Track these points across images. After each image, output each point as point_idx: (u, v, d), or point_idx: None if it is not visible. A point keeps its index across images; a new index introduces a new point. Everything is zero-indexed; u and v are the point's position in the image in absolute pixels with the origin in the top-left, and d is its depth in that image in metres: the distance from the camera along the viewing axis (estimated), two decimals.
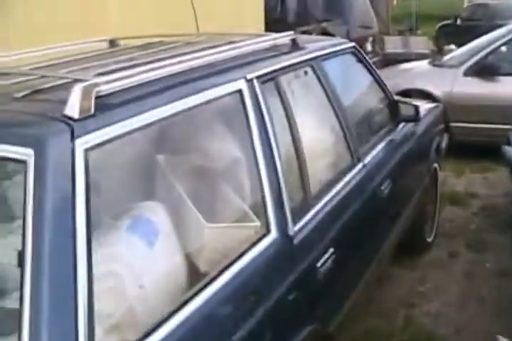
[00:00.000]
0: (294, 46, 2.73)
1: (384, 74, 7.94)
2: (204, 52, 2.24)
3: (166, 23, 5.75)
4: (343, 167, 2.73)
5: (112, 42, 2.93)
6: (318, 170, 2.52)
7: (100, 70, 1.99)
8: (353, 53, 3.29)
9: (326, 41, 3.16)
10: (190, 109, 1.94)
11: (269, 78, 2.36)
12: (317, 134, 2.62)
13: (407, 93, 5.98)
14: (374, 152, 3.05)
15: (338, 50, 3.08)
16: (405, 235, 3.67)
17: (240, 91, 2.17)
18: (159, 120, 1.82)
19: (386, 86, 3.52)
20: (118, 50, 2.75)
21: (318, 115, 2.70)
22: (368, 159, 2.94)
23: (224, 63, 2.23)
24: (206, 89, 2.02)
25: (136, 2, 5.76)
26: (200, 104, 1.97)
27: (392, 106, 3.51)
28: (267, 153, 2.14)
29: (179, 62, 2.07)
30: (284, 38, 2.70)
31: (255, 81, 2.24)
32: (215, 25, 6.77)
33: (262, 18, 8.03)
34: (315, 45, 2.92)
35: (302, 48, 2.74)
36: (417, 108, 3.43)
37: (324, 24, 8.50)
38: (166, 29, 5.56)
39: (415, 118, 3.46)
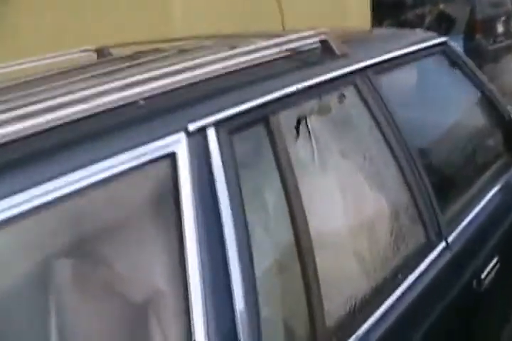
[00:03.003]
0: (325, 52, 1.66)
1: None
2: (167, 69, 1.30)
3: (244, 21, 4.80)
4: (405, 254, 1.62)
5: (100, 52, 2.07)
6: (347, 274, 1.44)
7: None
8: (443, 53, 2.13)
9: (397, 38, 2.03)
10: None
11: (253, 120, 1.33)
12: (353, 203, 1.53)
13: None
14: (470, 216, 1.90)
15: (415, 52, 1.94)
16: None
17: (171, 157, 1.17)
18: None
19: (498, 99, 2.31)
20: (88, 65, 1.84)
21: (362, 168, 1.61)
22: (456, 232, 1.80)
23: (164, 100, 1.23)
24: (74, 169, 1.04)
25: None
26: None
27: (509, 131, 2.30)
28: (215, 266, 1.12)
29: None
30: (310, 38, 1.64)
31: (211, 131, 1.22)
32: (306, 11, 5.77)
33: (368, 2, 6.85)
34: (370, 45, 1.82)
35: (339, 55, 1.66)
36: None
37: (442, 5, 7.12)
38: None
39: None
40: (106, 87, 1.21)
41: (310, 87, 1.50)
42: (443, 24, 7.03)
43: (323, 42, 1.66)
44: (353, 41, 1.80)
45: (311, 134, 1.47)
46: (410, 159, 1.69)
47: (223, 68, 1.42)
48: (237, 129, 1.30)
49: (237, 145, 1.29)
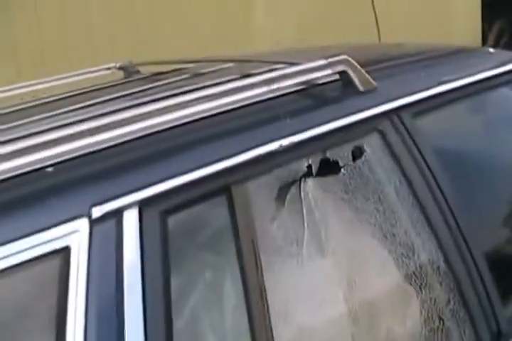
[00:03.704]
0: (345, 87, 1.24)
1: None
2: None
3: (337, 27, 4.35)
4: None
5: (126, 70, 1.84)
6: None
7: None
8: None
9: (456, 62, 1.55)
10: None
11: (207, 193, 0.95)
12: (359, 301, 1.09)
13: None
14: None
15: (478, 82, 1.45)
16: None
17: (62, 253, 0.82)
18: None
19: None
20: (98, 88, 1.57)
21: (381, 249, 1.16)
22: None
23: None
24: None
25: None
26: None
27: None
28: None
29: None
30: (326, 68, 1.23)
31: (131, 215, 0.86)
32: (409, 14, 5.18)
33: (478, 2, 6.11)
34: (411, 75, 1.37)
35: (362, 91, 1.24)
36: None
37: None
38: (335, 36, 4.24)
39: None
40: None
41: (307, 141, 1.09)
42: None
43: (342, 73, 1.25)
44: (387, 69, 1.36)
45: (303, 208, 1.06)
46: (457, 233, 1.23)
47: (197, 113, 1.06)
48: (178, 208, 0.93)
49: (179, 229, 0.93)
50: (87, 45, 3.28)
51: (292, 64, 1.27)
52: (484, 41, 5.80)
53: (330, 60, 1.23)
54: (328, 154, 1.13)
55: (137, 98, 1.15)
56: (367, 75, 1.25)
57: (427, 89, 1.30)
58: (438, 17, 5.42)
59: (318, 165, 1.11)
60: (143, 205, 0.89)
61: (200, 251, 0.96)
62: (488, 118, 1.49)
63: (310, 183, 1.09)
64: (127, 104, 1.05)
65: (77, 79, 1.93)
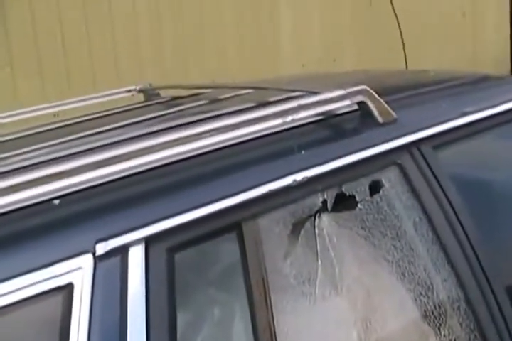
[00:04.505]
0: (363, 118, 1.21)
1: None
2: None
3: (364, 49, 4.32)
4: None
5: (146, 93, 1.82)
6: None
7: None
8: None
9: (481, 90, 1.50)
10: None
11: (217, 229, 0.93)
12: None
13: None
14: None
15: (506, 113, 1.42)
16: None
17: (65, 290, 0.80)
18: None
19: None
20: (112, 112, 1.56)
21: (400, 292, 1.12)
22: None
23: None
24: None
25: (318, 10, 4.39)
26: None
27: None
28: None
29: None
30: (344, 99, 1.20)
31: (137, 251, 0.84)
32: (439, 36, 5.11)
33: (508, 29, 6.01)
34: (434, 104, 1.33)
35: (381, 123, 1.20)
36: None
37: None
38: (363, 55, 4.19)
39: None
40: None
41: (322, 175, 1.06)
42: None
43: (360, 104, 1.22)
44: (407, 98, 1.32)
45: (317, 245, 1.03)
46: (478, 271, 1.17)
47: (206, 146, 1.03)
48: (186, 245, 0.90)
49: (186, 267, 0.90)
50: (112, 67, 3.30)
51: (310, 92, 1.25)
52: None
53: (348, 90, 1.20)
54: (344, 189, 1.10)
55: (148, 127, 1.14)
56: (386, 106, 1.21)
57: (449, 120, 1.25)
58: (465, 38, 5.36)
59: (333, 200, 1.08)
60: (149, 242, 0.86)
61: (208, 290, 0.93)
62: None
63: (325, 219, 1.06)
64: (137, 133, 1.03)
65: (97, 101, 1.95)
